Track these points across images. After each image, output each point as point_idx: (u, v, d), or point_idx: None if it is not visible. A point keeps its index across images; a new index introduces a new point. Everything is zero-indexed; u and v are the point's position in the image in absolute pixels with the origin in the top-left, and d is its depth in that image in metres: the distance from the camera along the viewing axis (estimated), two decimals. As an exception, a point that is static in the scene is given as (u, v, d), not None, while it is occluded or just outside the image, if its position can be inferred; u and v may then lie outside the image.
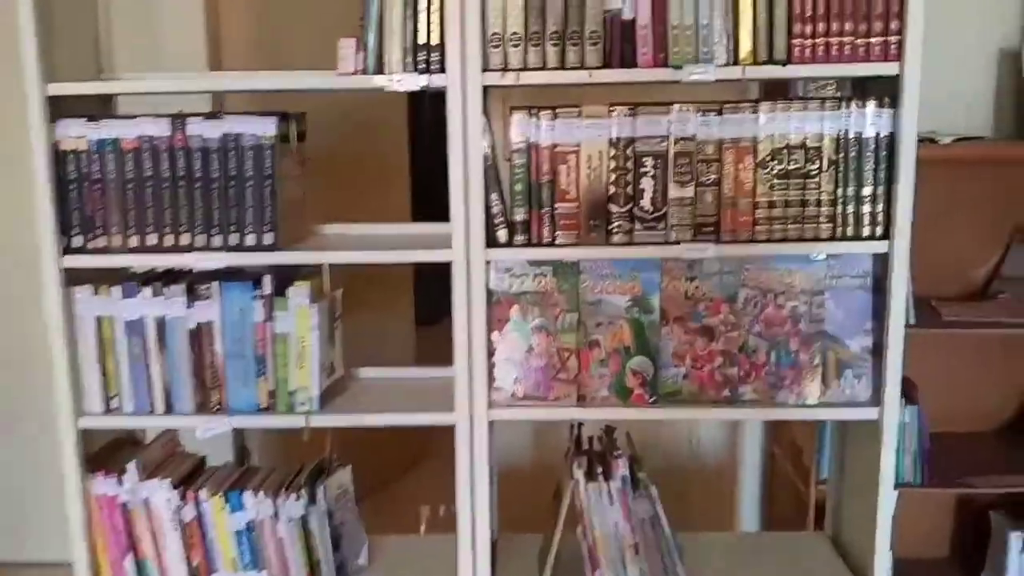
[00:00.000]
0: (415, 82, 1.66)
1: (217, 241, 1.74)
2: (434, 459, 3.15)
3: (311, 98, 1.84)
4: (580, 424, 1.94)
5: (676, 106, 1.68)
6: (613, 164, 1.70)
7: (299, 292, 1.76)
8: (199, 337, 1.79)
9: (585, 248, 1.73)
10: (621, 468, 1.80)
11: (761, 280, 1.76)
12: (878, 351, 1.76)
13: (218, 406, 1.81)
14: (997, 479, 2.37)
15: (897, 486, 1.98)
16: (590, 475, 1.81)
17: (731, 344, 1.77)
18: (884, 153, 1.69)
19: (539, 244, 1.74)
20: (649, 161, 1.70)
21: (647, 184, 1.71)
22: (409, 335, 3.58)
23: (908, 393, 2.10)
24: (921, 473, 2.34)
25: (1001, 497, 2.52)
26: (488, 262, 1.74)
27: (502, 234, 1.73)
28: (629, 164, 1.70)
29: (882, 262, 1.73)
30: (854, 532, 1.95)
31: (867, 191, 1.70)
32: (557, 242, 1.74)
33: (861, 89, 1.78)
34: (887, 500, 1.77)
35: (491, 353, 1.77)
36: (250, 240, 1.74)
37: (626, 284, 1.77)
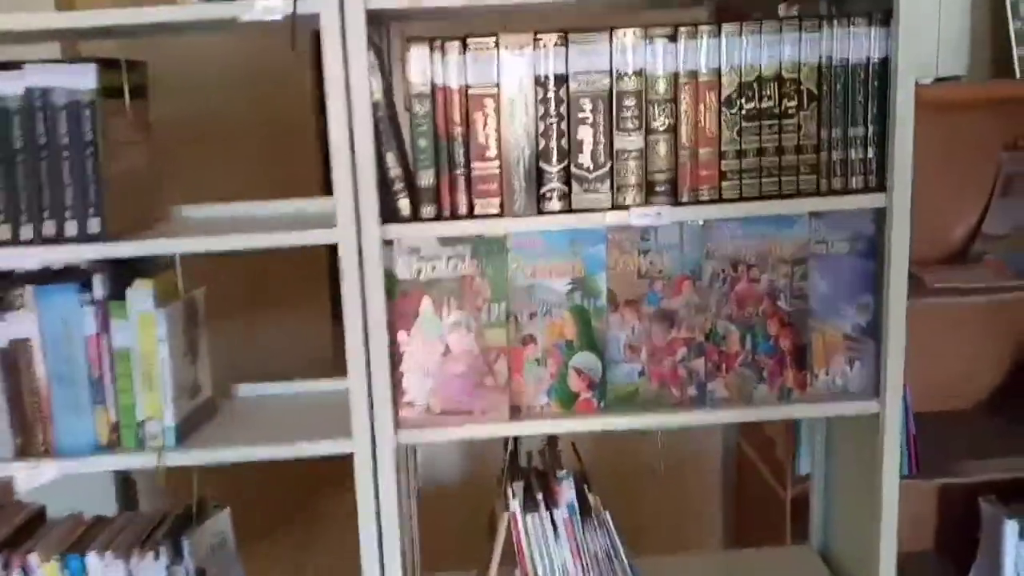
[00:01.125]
0: (277, 8, 1.26)
1: (27, 232, 1.32)
2: (347, 485, 2.74)
3: (193, 49, 1.41)
4: (516, 438, 1.58)
5: (619, 32, 1.32)
6: (542, 110, 1.33)
7: (140, 294, 1.35)
8: (14, 358, 1.37)
9: (511, 219, 1.36)
10: (567, 493, 1.45)
11: (730, 250, 1.41)
12: (874, 330, 1.44)
13: (44, 446, 1.39)
14: (992, 464, 2.09)
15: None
16: (529, 504, 1.45)
17: (696, 331, 1.43)
18: (876, 84, 1.35)
19: (452, 217, 1.36)
20: (587, 104, 1.34)
21: (585, 134, 1.34)
22: (325, 334, 3.15)
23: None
24: (908, 463, 2.05)
25: (990, 482, 2.24)
26: (387, 242, 1.35)
27: (404, 205, 1.35)
28: (562, 109, 1.33)
29: (877, 220, 1.40)
30: (846, 542, 1.64)
31: (857, 132, 1.36)
32: (475, 213, 1.36)
33: (838, 4, 1.45)
34: (890, 504, 1.46)
35: (397, 360, 1.39)
36: (71, 229, 1.32)
37: (564, 263, 1.41)
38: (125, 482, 2.32)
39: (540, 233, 1.39)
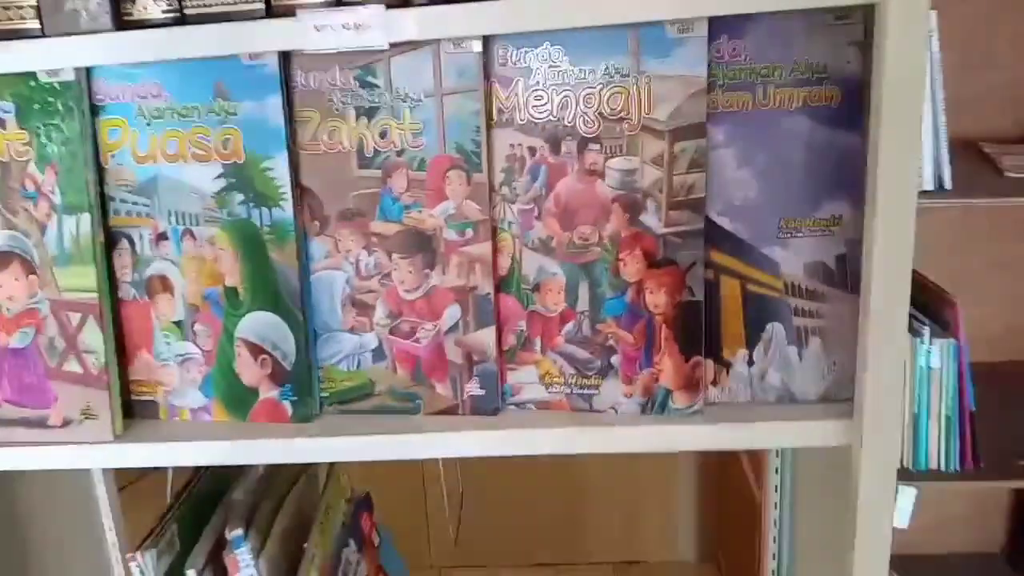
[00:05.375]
0: None
1: None
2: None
3: None
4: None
5: None
6: None
7: None
8: None
9: (64, 41, 0.65)
10: (242, 568, 0.77)
11: (545, 105, 0.67)
12: (849, 273, 0.69)
13: None
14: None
15: (918, 477, 1.11)
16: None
17: (479, 274, 0.71)
18: None
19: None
20: None
21: None
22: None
23: (938, 315, 1.02)
24: (960, 452, 1.30)
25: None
26: None
27: None
28: None
29: (864, 35, 0.63)
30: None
31: None
32: (-11, 29, 0.66)
33: None
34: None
35: None
36: None
37: (207, 132, 0.70)
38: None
39: (152, 69, 0.68)
